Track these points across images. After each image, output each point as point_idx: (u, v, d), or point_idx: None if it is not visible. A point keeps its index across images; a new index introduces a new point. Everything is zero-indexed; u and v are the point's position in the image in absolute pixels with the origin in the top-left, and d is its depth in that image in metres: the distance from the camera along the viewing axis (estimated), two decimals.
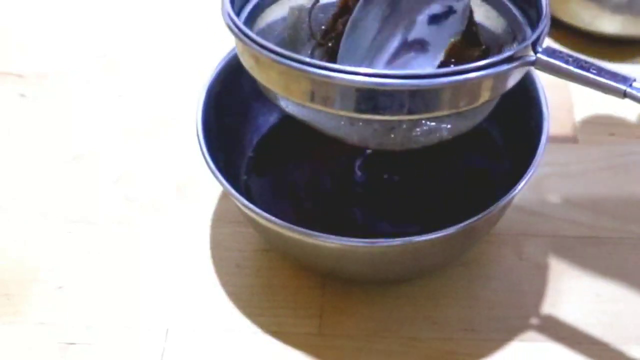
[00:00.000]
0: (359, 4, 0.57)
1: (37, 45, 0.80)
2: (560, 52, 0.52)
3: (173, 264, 0.64)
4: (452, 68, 0.50)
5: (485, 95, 0.52)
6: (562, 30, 0.77)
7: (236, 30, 0.53)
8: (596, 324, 0.60)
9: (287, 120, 0.68)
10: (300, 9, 0.59)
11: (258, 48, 0.51)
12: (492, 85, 0.52)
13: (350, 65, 0.52)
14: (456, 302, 0.62)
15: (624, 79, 0.51)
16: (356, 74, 0.49)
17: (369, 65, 0.57)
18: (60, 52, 0.79)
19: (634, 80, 0.51)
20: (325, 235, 0.55)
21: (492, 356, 0.59)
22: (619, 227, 0.65)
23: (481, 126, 0.66)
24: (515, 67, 0.51)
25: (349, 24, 0.56)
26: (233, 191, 0.58)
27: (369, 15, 0.57)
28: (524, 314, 0.61)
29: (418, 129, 0.54)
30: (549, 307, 0.61)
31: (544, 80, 0.62)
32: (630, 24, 0.75)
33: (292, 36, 0.59)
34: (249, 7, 0.58)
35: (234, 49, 0.64)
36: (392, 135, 0.54)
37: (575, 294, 0.62)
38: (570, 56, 0.52)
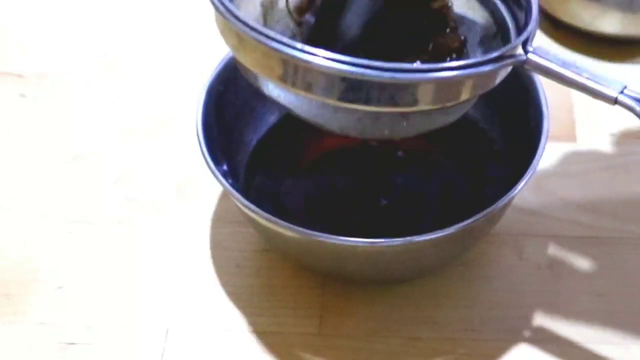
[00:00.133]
0: None
1: (37, 45, 0.80)
2: (552, 53, 0.52)
3: (173, 264, 0.64)
4: (440, 65, 0.50)
5: (471, 92, 0.51)
6: (562, 30, 0.77)
7: (220, 6, 0.51)
8: (596, 324, 0.60)
9: (287, 120, 0.68)
10: None
11: (243, 27, 0.50)
12: (479, 83, 0.51)
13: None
14: (456, 302, 0.62)
15: (616, 86, 0.51)
16: (342, 62, 0.48)
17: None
18: (60, 52, 0.79)
19: (626, 87, 0.51)
20: (325, 235, 0.55)
21: (492, 356, 0.59)
22: (619, 227, 0.65)
23: (481, 126, 0.67)
24: (505, 66, 0.51)
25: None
26: (233, 191, 0.58)
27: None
28: (524, 314, 0.61)
29: (404, 122, 0.53)
30: (549, 307, 0.61)
31: (544, 80, 0.62)
32: (630, 24, 0.75)
33: (266, 8, 0.58)
34: None
35: None
36: (376, 126, 0.53)
37: (575, 294, 0.62)
38: (562, 59, 0.52)
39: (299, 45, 0.49)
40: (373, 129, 0.53)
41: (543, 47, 0.52)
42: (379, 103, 0.50)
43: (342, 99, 0.50)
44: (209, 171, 0.59)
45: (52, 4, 0.83)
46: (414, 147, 0.67)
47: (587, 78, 0.51)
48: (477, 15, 0.58)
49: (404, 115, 0.52)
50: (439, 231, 0.55)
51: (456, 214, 0.56)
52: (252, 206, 0.57)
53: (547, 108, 0.61)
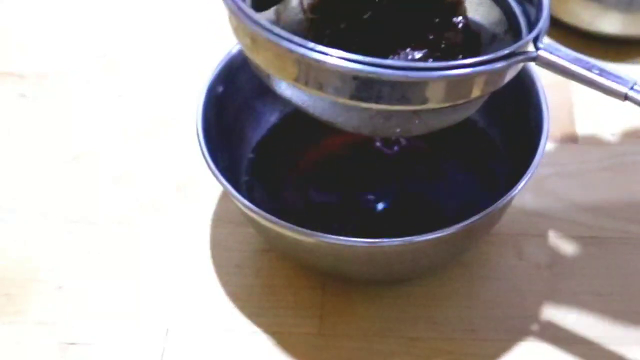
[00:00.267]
0: None
1: (37, 45, 0.80)
2: (562, 50, 0.52)
3: (173, 264, 0.64)
4: (452, 63, 0.50)
5: (483, 90, 0.52)
6: (562, 30, 0.77)
7: (233, 6, 0.51)
8: (596, 324, 0.60)
9: (288, 120, 0.68)
10: None
11: (256, 27, 0.50)
12: (491, 81, 0.51)
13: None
14: (456, 302, 0.62)
15: (626, 82, 0.51)
16: (354, 61, 0.48)
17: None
18: (60, 52, 0.79)
19: (636, 82, 0.51)
20: (325, 235, 0.55)
21: (492, 356, 0.59)
22: (619, 227, 0.65)
23: (481, 126, 0.67)
24: (517, 63, 0.51)
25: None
26: (233, 191, 0.58)
27: None
28: (524, 314, 0.61)
29: (416, 120, 0.53)
30: (549, 307, 0.61)
31: (544, 80, 0.62)
32: (630, 24, 0.75)
33: (279, 6, 0.58)
34: None
35: (234, 49, 0.64)
36: (388, 124, 0.53)
37: (576, 294, 0.62)
38: (572, 55, 0.52)
39: (311, 44, 0.49)
40: (385, 127, 0.53)
41: (553, 43, 0.52)
42: (390, 101, 0.50)
43: (354, 97, 0.50)
44: (209, 171, 0.59)
45: (52, 4, 0.83)
46: (414, 147, 0.67)
47: (598, 74, 0.51)
48: (489, 11, 0.58)
49: (415, 113, 0.52)
50: (439, 231, 0.55)
51: (456, 214, 0.56)
52: (252, 206, 0.57)
53: (547, 108, 0.61)
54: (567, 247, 0.64)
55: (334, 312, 0.61)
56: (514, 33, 0.56)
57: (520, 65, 0.52)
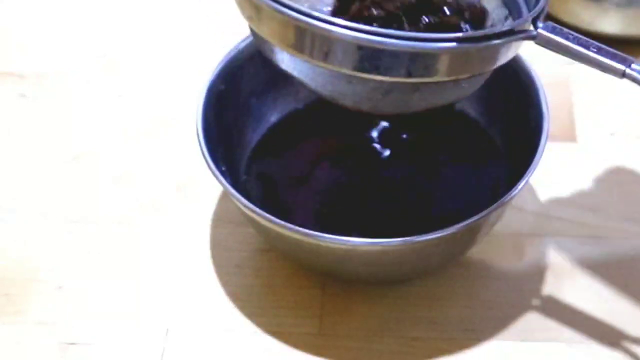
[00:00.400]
0: None
1: (37, 45, 0.80)
2: (561, 28, 0.52)
3: (173, 264, 0.64)
4: (454, 35, 0.50)
5: (482, 67, 0.52)
6: None
7: None
8: (596, 323, 0.60)
9: (288, 120, 0.68)
10: None
11: None
12: (490, 57, 0.52)
13: None
14: (456, 302, 0.62)
15: (624, 59, 0.51)
16: (359, 30, 0.49)
17: None
18: (60, 52, 0.79)
19: (633, 61, 0.51)
20: (325, 235, 0.55)
21: (492, 356, 0.59)
22: (619, 227, 0.65)
23: (481, 126, 0.67)
24: (517, 40, 0.51)
25: None
26: (233, 191, 0.58)
27: None
28: (524, 314, 0.61)
29: (416, 94, 0.53)
30: (549, 307, 0.61)
31: (544, 80, 0.62)
32: (630, 24, 0.75)
33: None
34: None
35: (234, 49, 0.64)
36: (388, 98, 0.53)
37: (576, 294, 0.62)
38: (571, 33, 0.52)
39: (316, 13, 0.49)
40: (385, 102, 0.53)
41: (552, 23, 0.52)
42: (393, 73, 0.50)
43: (357, 68, 0.50)
44: (209, 171, 0.59)
45: (52, 4, 0.83)
46: (414, 147, 0.67)
47: (595, 52, 0.52)
48: None
49: (415, 87, 0.53)
50: (439, 231, 0.55)
51: (456, 214, 0.56)
52: (252, 206, 0.57)
53: (547, 108, 0.61)
54: (567, 247, 0.64)
55: (334, 312, 0.61)
56: (515, 19, 0.56)
57: (521, 43, 0.52)
